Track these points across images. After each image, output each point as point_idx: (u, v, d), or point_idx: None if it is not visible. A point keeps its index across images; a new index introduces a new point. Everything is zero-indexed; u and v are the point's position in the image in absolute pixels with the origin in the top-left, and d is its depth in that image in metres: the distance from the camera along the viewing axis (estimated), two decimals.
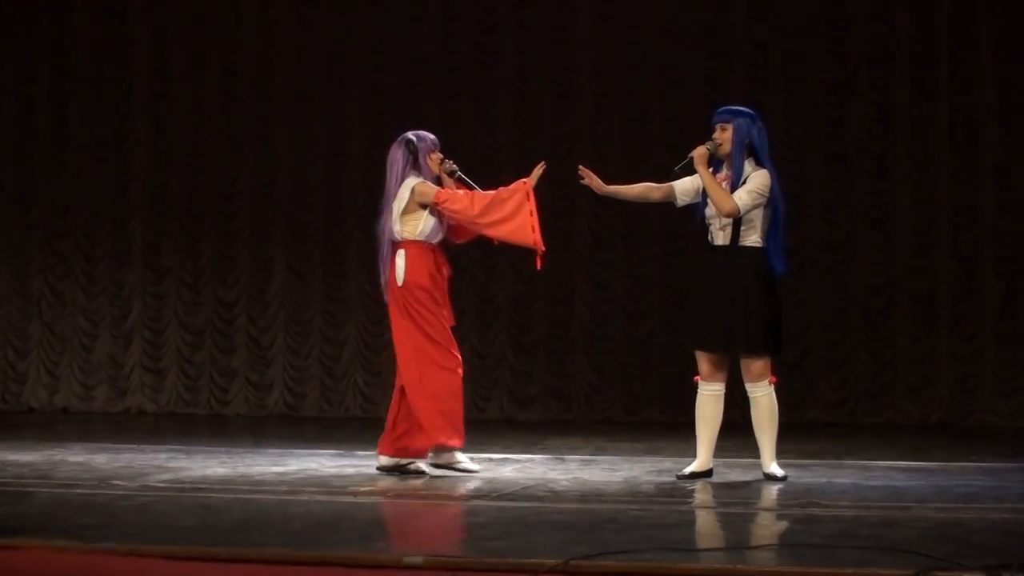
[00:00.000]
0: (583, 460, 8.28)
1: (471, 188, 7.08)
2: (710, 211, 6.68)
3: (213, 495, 6.54)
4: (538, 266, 6.91)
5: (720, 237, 6.69)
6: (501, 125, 11.99)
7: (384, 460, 7.22)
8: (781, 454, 7.32)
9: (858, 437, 10.18)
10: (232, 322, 12.39)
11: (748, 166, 6.66)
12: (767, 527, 5.81)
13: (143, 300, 12.39)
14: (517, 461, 8.14)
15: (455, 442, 7.14)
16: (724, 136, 6.69)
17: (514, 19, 11.96)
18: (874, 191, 11.53)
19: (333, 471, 7.56)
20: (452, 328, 7.09)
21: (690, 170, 6.66)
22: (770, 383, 6.82)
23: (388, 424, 7.23)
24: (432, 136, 7.16)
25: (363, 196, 11.19)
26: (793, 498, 6.55)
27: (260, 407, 12.16)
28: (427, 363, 7.03)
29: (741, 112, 6.78)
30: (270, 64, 12.35)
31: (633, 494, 6.67)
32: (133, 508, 6.14)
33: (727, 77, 11.65)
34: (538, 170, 6.96)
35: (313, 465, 7.78)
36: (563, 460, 8.24)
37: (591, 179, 6.75)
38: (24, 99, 12.56)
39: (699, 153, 6.60)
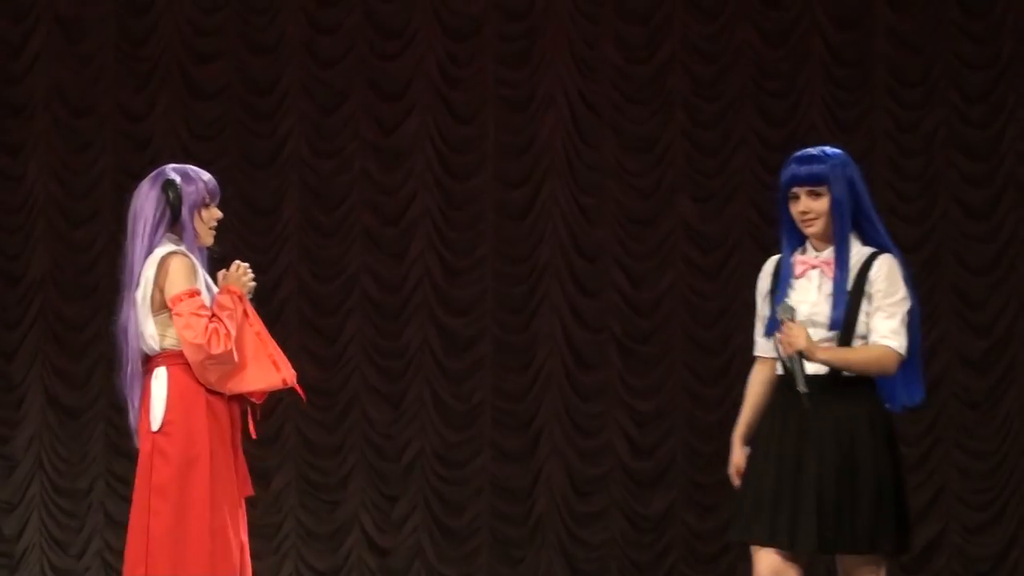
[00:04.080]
0: None
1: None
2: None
3: None
4: (303, 397, 6.56)
5: (809, 364, 5.65)
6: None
7: None
8: None
9: None
10: None
11: (855, 244, 5.69)
12: None
13: None
14: None
15: None
16: (818, 207, 5.62)
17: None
18: None
19: None
20: (249, 500, 6.30)
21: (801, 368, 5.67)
22: None
23: None
24: (209, 179, 6.16)
25: None
26: None
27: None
28: (183, 549, 6.04)
29: (839, 159, 5.71)
30: None
31: None
32: None
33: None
34: (240, 272, 6.13)
35: None
36: None
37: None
38: None
39: (799, 346, 5.55)
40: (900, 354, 5.61)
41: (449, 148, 10.23)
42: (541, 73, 10.18)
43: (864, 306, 5.65)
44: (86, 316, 10.38)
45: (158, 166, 6.38)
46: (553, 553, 10.15)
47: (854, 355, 5.61)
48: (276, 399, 9.89)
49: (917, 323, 5.70)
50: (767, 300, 5.75)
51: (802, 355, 5.56)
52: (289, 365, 6.20)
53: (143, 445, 6.11)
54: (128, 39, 10.49)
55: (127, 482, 8.75)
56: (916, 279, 6.01)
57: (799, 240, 5.71)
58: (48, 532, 10.48)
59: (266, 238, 10.26)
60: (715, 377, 9.84)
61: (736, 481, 5.81)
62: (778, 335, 5.59)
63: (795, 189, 5.62)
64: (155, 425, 6.01)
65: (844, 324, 5.61)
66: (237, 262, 6.21)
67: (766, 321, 5.76)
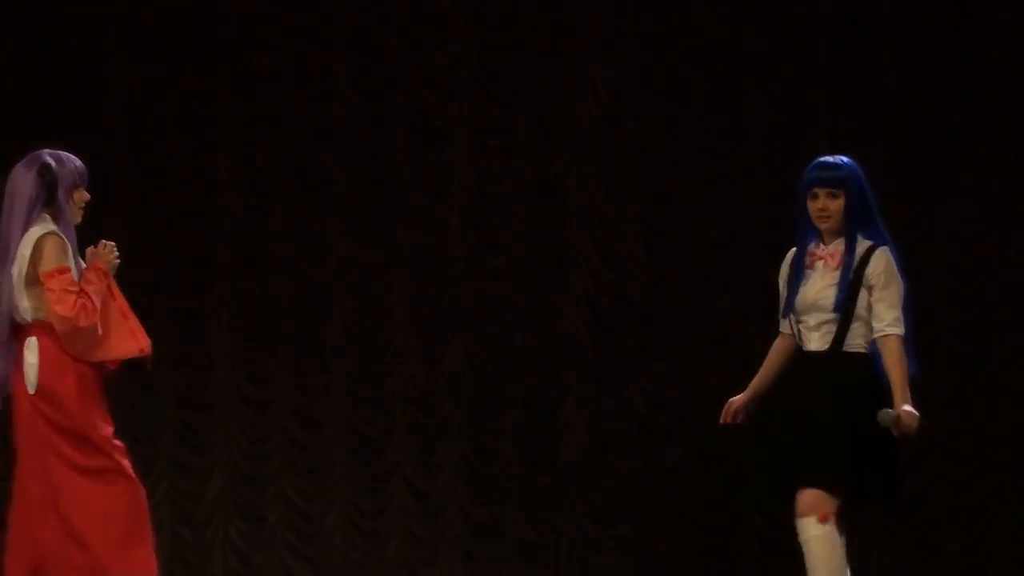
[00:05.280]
0: None
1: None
2: (805, 302, 6.37)
3: None
4: (149, 367, 6.71)
5: (814, 340, 6.35)
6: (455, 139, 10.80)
7: None
8: None
9: None
10: None
11: (861, 239, 6.38)
12: None
13: None
14: None
15: None
16: (834, 206, 6.35)
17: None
18: None
19: None
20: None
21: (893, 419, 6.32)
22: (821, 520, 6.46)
23: None
24: (79, 164, 6.55)
25: None
26: None
27: None
28: (76, 492, 6.46)
29: (854, 169, 6.50)
30: None
31: None
32: None
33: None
34: (107, 250, 6.51)
35: None
36: None
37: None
38: None
39: (914, 428, 6.23)
40: (904, 335, 6.28)
41: (487, 130, 10.66)
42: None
43: (862, 293, 6.32)
44: None
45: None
46: (576, 498, 10.59)
47: (899, 376, 6.28)
48: (327, 357, 10.54)
49: (910, 306, 6.35)
50: (788, 285, 6.42)
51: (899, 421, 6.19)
52: (145, 336, 6.51)
53: (20, 408, 6.48)
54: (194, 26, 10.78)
55: None
56: None
57: (813, 234, 6.36)
58: None
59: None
60: (723, 341, 10.28)
61: (726, 415, 6.51)
62: (897, 429, 6.19)
63: (816, 189, 6.31)
64: (31, 389, 6.37)
65: (844, 308, 6.28)
66: (104, 241, 6.55)
67: (784, 305, 6.44)
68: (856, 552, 6.83)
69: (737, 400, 6.53)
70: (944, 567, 10.23)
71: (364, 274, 10.57)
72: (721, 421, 6.55)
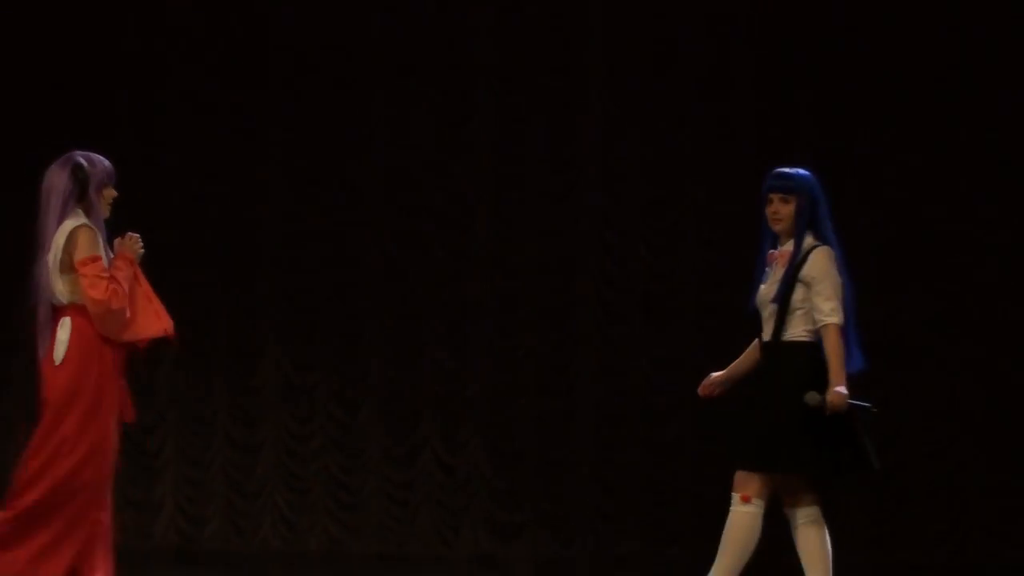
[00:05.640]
0: None
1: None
2: (760, 297, 6.64)
3: None
4: (174, 344, 6.86)
5: (767, 332, 6.60)
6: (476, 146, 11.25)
7: None
8: None
9: None
10: None
11: (808, 239, 6.62)
12: None
13: None
14: None
15: None
16: (785, 211, 6.60)
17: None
18: None
19: None
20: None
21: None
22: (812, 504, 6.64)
23: None
24: (108, 164, 6.70)
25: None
26: None
27: (144, 536, 11.06)
28: (84, 449, 6.60)
29: (805, 178, 6.70)
30: None
31: None
32: None
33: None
34: (132, 241, 6.68)
35: None
36: None
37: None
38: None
39: (841, 407, 6.43)
40: (839, 324, 6.45)
41: (505, 141, 11.02)
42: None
43: (799, 287, 6.54)
44: None
45: None
46: (587, 471, 11.09)
47: (834, 360, 6.45)
48: (363, 347, 10.95)
49: (849, 300, 6.54)
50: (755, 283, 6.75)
51: (852, 403, 6.37)
52: (169, 318, 6.70)
53: (46, 373, 6.68)
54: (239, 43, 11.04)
55: None
56: None
57: (772, 237, 6.67)
58: None
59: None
60: (717, 331, 10.49)
61: (703, 387, 6.74)
62: (825, 409, 6.31)
63: (771, 195, 6.61)
64: (58, 360, 6.63)
65: (781, 300, 6.54)
66: (129, 232, 6.73)
67: (748, 301, 6.70)
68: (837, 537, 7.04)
69: (716, 376, 6.77)
70: (922, 527, 10.64)
71: (397, 272, 11.05)
72: (699, 391, 6.82)
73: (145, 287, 6.73)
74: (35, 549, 6.66)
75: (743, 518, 6.59)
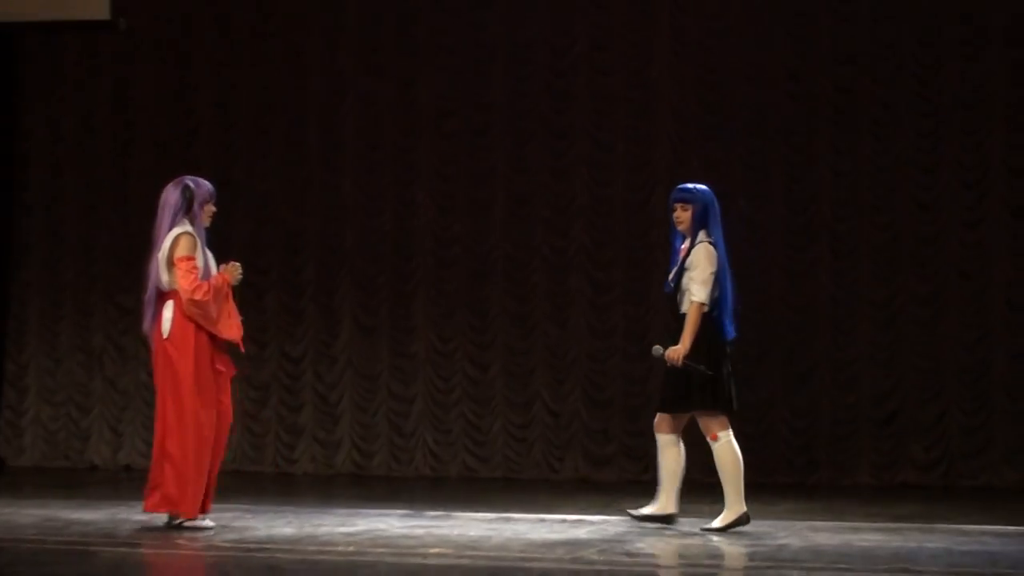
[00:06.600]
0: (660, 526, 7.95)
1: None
2: (668, 280, 7.16)
3: (280, 555, 6.45)
4: (242, 349, 7.26)
5: (672, 305, 7.25)
6: (574, 173, 11.73)
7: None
8: (870, 517, 7.63)
9: (952, 500, 9.94)
10: (298, 378, 12.00)
11: (701, 236, 7.10)
12: None
13: None
14: (591, 523, 8.01)
15: (185, 511, 7.07)
16: (684, 216, 7.12)
17: (588, 63, 11.67)
18: (966, 242, 11.18)
19: (402, 531, 7.48)
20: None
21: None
22: (712, 439, 7.18)
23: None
24: (210, 186, 7.10)
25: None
26: (882, 562, 6.36)
27: (327, 466, 11.83)
28: (176, 422, 6.97)
29: (701, 191, 7.17)
30: (336, 113, 12.08)
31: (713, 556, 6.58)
32: (197, 568, 6.11)
33: (811, 122, 11.37)
34: (234, 268, 7.05)
35: (381, 525, 7.74)
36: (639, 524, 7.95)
37: None
38: (88, 152, 12.37)
39: (671, 358, 7.04)
40: (703, 303, 7.11)
41: (596, 166, 11.63)
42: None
43: (684, 275, 7.24)
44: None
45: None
46: (575, 444, 11.56)
47: (689, 326, 7.12)
48: (490, 321, 11.56)
49: (723, 283, 7.19)
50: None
51: (688, 357, 7.10)
52: (241, 329, 7.12)
53: (156, 346, 7.11)
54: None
55: None
56: None
57: (680, 236, 7.34)
58: None
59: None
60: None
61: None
62: (668, 361, 7.07)
63: (674, 204, 7.32)
64: (165, 334, 7.08)
65: (674, 287, 7.30)
66: (234, 262, 7.18)
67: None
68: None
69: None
70: (912, 460, 11.14)
71: (517, 265, 11.81)
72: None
73: (230, 304, 7.10)
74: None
75: (668, 445, 7.43)
